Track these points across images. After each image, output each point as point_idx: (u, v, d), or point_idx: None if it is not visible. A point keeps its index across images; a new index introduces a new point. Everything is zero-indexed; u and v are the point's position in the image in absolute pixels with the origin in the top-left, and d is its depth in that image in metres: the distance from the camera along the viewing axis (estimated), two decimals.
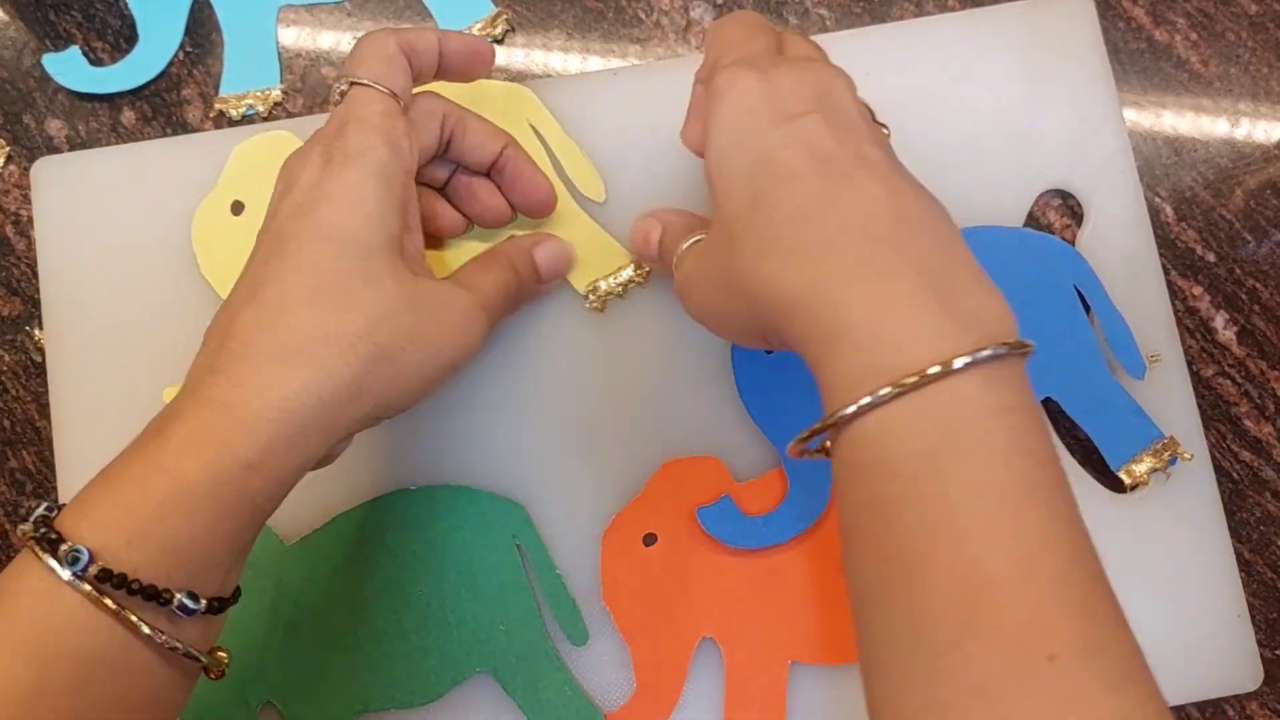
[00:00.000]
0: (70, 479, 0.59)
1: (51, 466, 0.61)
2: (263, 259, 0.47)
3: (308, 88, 0.66)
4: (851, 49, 0.61)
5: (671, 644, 0.57)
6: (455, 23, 0.66)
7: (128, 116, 0.66)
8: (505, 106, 0.60)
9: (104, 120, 0.66)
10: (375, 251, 0.46)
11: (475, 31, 0.66)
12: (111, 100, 0.66)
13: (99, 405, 0.60)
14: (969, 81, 0.62)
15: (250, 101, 0.66)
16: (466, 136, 0.55)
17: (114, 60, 0.67)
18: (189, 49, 0.67)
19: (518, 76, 0.66)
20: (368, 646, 0.57)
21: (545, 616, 0.57)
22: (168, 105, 0.66)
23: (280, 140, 0.61)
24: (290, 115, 0.66)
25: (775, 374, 0.58)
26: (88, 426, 0.59)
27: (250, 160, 0.60)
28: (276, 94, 0.66)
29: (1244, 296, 0.63)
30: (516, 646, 0.57)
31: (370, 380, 0.45)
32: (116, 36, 0.67)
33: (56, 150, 0.66)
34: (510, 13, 0.66)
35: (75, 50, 0.66)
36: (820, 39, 0.62)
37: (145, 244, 0.61)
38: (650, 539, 0.58)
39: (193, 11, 0.67)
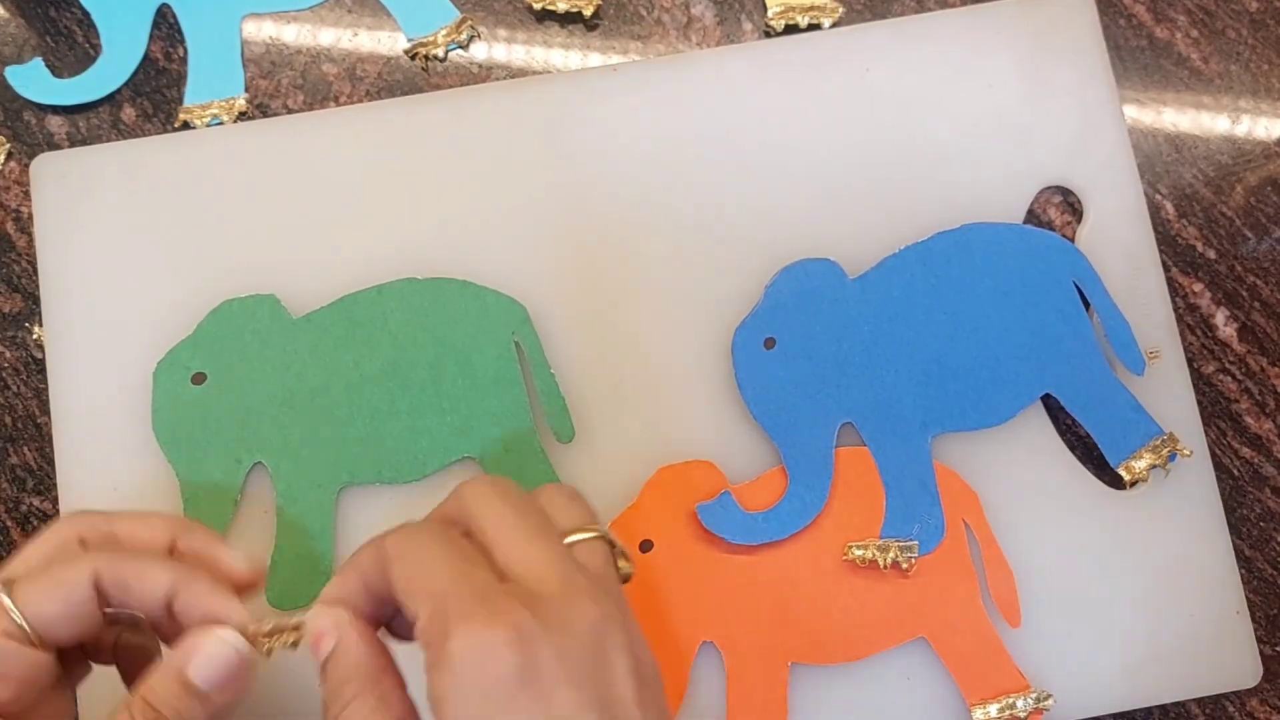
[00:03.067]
0: (70, 475, 0.59)
1: (52, 463, 0.60)
2: None
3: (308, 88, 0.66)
4: (851, 45, 0.62)
5: (671, 650, 0.57)
6: (419, 29, 0.66)
7: (128, 113, 0.66)
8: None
9: (105, 117, 0.66)
10: None
11: (439, 39, 0.66)
12: (112, 98, 0.66)
13: (98, 401, 0.59)
14: (969, 78, 0.62)
15: (215, 111, 0.65)
16: (129, 598, 0.44)
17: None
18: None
19: (518, 73, 0.66)
20: (361, 422, 0.58)
21: (535, 413, 0.59)
22: (168, 102, 0.66)
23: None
24: (287, 112, 0.66)
25: (777, 369, 0.58)
26: (87, 423, 0.59)
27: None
28: (241, 103, 0.66)
29: (1244, 293, 0.63)
30: (504, 437, 0.58)
31: None
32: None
33: (57, 147, 0.65)
34: (475, 19, 0.66)
35: (39, 62, 0.66)
36: (821, 36, 0.63)
37: (144, 240, 0.61)
38: (646, 545, 0.58)
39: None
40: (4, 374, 0.64)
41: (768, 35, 0.66)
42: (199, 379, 0.59)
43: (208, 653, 0.43)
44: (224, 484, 0.58)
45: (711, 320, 0.60)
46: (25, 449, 0.63)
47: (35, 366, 0.63)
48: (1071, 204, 0.62)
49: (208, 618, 0.44)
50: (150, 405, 0.59)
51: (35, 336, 0.64)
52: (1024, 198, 0.61)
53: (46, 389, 0.62)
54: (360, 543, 0.55)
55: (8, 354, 0.64)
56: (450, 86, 0.66)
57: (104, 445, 0.59)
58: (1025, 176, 0.61)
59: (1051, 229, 0.62)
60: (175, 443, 0.58)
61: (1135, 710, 0.59)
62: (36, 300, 0.63)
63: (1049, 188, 0.62)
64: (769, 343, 0.59)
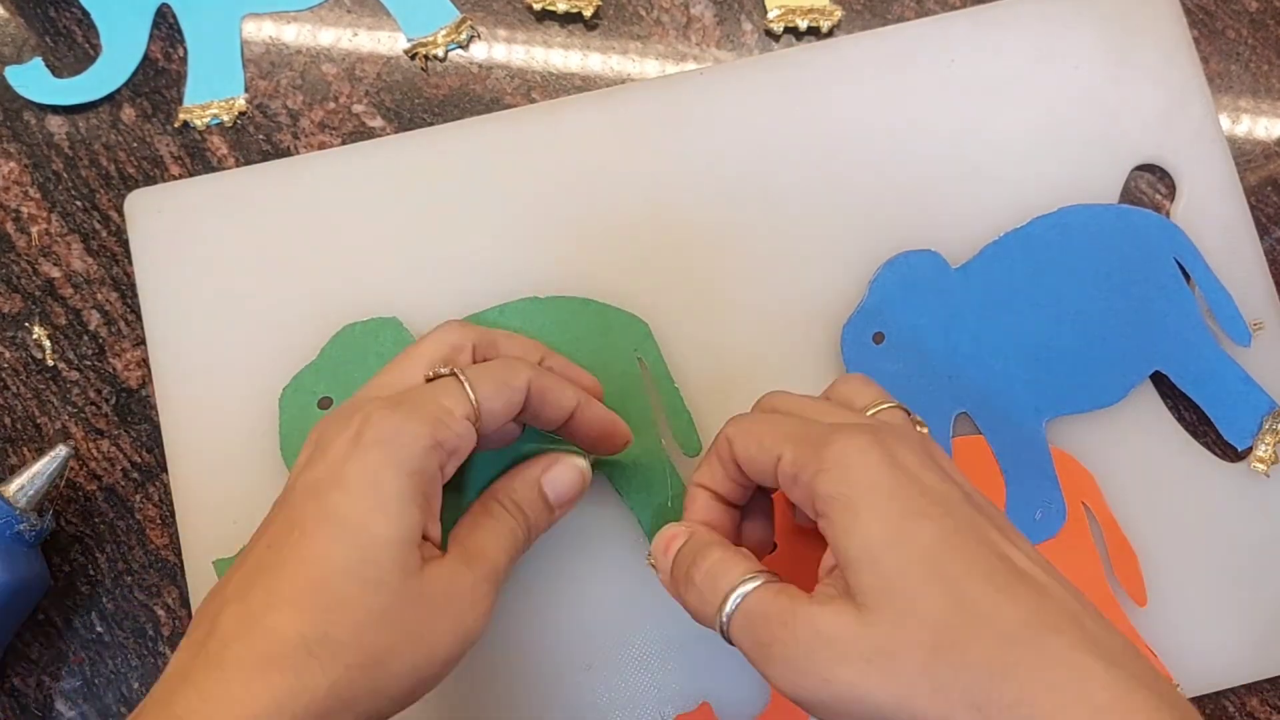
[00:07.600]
0: (189, 513, 0.59)
1: None
2: (268, 543, 0.44)
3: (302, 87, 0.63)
4: (932, 36, 0.62)
5: None
6: (419, 29, 0.66)
7: (128, 113, 0.65)
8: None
9: (104, 117, 0.65)
10: (384, 545, 0.43)
11: (439, 39, 0.65)
12: (112, 98, 0.65)
13: (212, 437, 0.59)
14: (1053, 62, 0.62)
15: (215, 111, 0.65)
16: (544, 407, 0.49)
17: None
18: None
19: (518, 73, 0.65)
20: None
21: (660, 427, 0.59)
22: (168, 102, 0.65)
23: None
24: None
25: (887, 364, 0.58)
26: (204, 460, 0.59)
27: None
28: (241, 103, 0.65)
29: None
30: (633, 452, 0.57)
31: (353, 690, 0.41)
32: None
33: (57, 147, 0.65)
34: (475, 19, 0.66)
35: (38, 62, 0.66)
36: (898, 29, 0.63)
37: (246, 270, 0.61)
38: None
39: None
40: (4, 374, 0.63)
41: (768, 35, 0.66)
42: (325, 403, 0.58)
43: (562, 472, 0.52)
44: None
45: (817, 318, 0.60)
46: (25, 449, 0.62)
47: (35, 366, 0.63)
48: (1164, 181, 0.63)
49: (604, 434, 0.52)
50: (275, 432, 0.59)
51: (35, 336, 0.63)
52: (1117, 178, 0.62)
53: (46, 389, 0.62)
54: None
55: (8, 354, 0.63)
56: (450, 87, 0.65)
57: (221, 480, 0.59)
58: (1117, 156, 0.62)
59: (1145, 207, 0.63)
60: None
61: None
62: (36, 300, 0.63)
63: (1139, 166, 0.62)
64: (877, 337, 0.58)
